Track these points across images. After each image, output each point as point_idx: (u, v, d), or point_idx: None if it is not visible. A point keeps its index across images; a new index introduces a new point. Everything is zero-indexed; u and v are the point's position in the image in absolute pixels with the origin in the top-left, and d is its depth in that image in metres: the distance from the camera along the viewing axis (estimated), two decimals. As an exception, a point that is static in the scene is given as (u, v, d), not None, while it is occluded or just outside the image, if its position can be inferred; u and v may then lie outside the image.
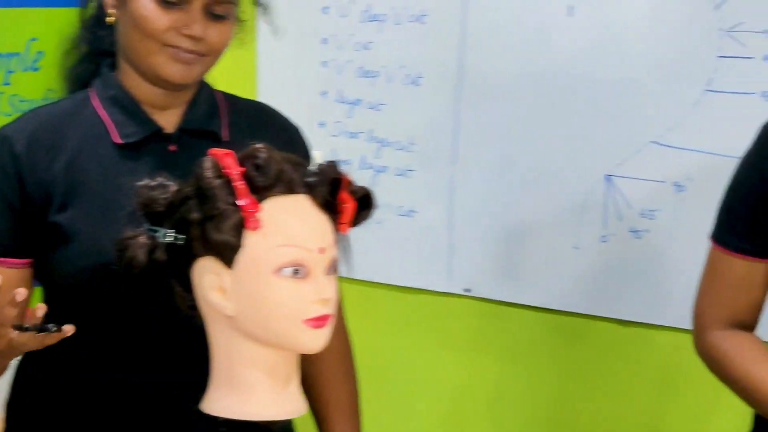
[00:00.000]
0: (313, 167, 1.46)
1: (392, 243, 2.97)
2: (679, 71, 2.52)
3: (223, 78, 2.70)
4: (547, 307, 2.79)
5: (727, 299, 1.81)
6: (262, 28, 2.98)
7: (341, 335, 1.92)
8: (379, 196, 2.88)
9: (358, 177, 2.84)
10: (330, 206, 1.45)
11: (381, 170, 2.97)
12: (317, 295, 1.41)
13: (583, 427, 2.80)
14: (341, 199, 1.45)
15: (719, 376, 1.82)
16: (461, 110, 2.83)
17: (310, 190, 1.44)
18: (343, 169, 1.49)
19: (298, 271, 1.40)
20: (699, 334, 1.86)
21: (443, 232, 2.90)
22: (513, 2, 2.71)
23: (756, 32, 2.43)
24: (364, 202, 1.49)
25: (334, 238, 1.45)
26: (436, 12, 2.83)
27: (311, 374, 1.83)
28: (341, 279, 2.86)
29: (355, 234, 2.84)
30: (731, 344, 1.79)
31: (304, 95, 3.04)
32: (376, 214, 2.87)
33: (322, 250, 1.42)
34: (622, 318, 2.69)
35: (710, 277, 1.85)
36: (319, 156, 1.49)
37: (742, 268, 1.80)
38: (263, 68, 3.12)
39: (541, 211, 2.74)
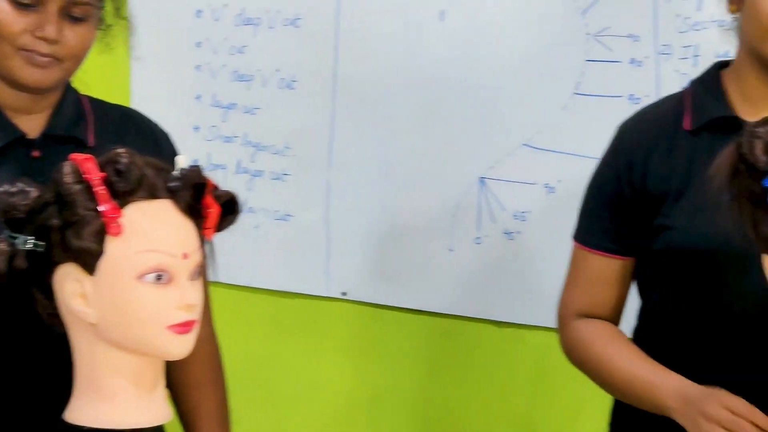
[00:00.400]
0: (176, 172, 1.44)
1: (269, 247, 2.96)
2: (549, 75, 2.56)
3: (96, 82, 2.67)
4: (424, 309, 2.80)
5: (585, 294, 1.88)
6: (137, 31, 2.99)
7: (209, 342, 1.90)
8: (256, 200, 2.94)
9: (234, 181, 2.92)
10: (194, 211, 1.44)
11: (257, 174, 2.96)
12: (181, 300, 1.40)
13: (461, 427, 2.82)
14: (205, 203, 1.44)
15: (578, 363, 1.87)
16: (336, 114, 2.83)
17: (173, 195, 1.42)
18: (207, 173, 1.48)
19: (161, 277, 1.39)
20: (561, 328, 1.92)
21: (320, 236, 2.89)
22: (386, 6, 2.72)
23: (622, 36, 2.48)
24: (229, 207, 1.48)
25: (199, 243, 1.44)
26: (310, 16, 2.83)
27: (178, 381, 1.82)
28: (216, 284, 2.86)
29: (232, 239, 2.84)
30: (587, 329, 1.85)
31: (178, 99, 3.01)
32: (253, 219, 2.94)
33: (185, 256, 1.41)
34: (497, 319, 2.72)
35: (572, 273, 1.91)
36: (183, 161, 1.47)
37: (600, 264, 1.85)
38: (136, 72, 3.07)
39: (416, 214, 2.76)
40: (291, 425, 3.02)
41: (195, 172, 1.44)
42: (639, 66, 2.47)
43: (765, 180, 1.34)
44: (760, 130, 1.37)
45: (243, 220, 2.86)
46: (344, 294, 2.89)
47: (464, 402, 2.80)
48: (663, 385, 1.69)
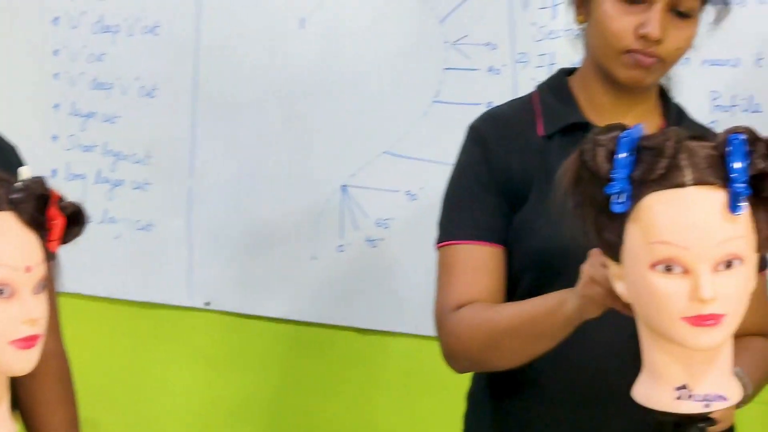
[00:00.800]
0: (18, 184, 1.41)
1: (130, 258, 2.91)
2: (409, 83, 2.58)
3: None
4: (288, 318, 2.79)
5: (461, 286, 1.78)
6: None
7: (57, 357, 1.86)
8: (116, 210, 2.89)
9: (94, 191, 2.87)
10: (38, 223, 1.40)
11: (117, 184, 2.91)
12: (24, 315, 1.36)
13: (326, 435, 2.82)
14: (49, 215, 1.41)
15: (467, 345, 1.74)
16: (197, 122, 2.80)
17: (15, 207, 1.39)
18: (52, 185, 1.45)
19: (3, 291, 1.35)
20: (441, 327, 1.80)
21: (182, 245, 2.86)
22: (246, 14, 2.71)
23: (479, 45, 2.51)
24: (75, 219, 1.45)
25: (43, 256, 1.41)
26: (170, 23, 2.80)
27: (25, 398, 1.77)
28: (76, 296, 2.81)
29: (93, 250, 2.81)
30: (468, 310, 1.75)
31: (35, 108, 2.95)
32: (114, 229, 2.89)
33: (28, 269, 1.37)
34: (360, 326, 2.73)
35: (443, 275, 1.82)
36: (26, 172, 1.43)
37: (473, 252, 1.79)
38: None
39: (278, 222, 2.75)
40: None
41: (38, 183, 1.41)
42: (497, 74, 2.50)
43: (607, 187, 1.37)
44: (603, 137, 1.39)
45: (104, 231, 2.88)
46: (207, 304, 2.86)
47: (329, 410, 2.80)
48: (557, 294, 1.62)
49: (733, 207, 1.34)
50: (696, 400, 1.41)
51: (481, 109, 2.45)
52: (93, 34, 2.88)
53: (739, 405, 1.67)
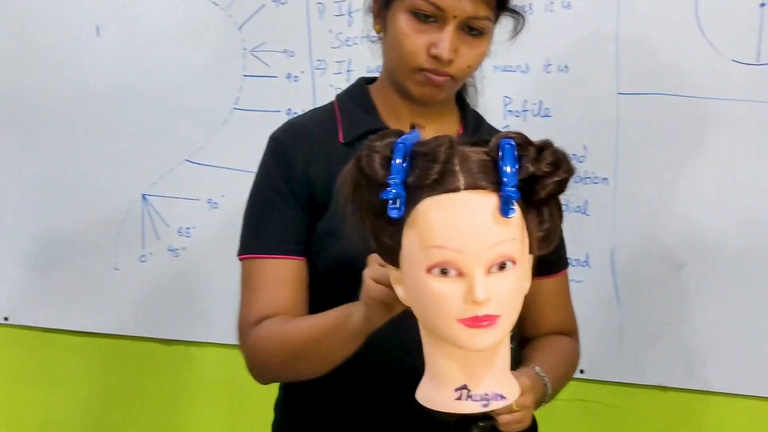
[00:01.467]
0: None
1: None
2: (209, 90, 2.56)
3: None
4: (91, 330, 2.74)
5: (263, 300, 1.78)
6: None
7: None
8: None
9: None
10: None
11: None
12: None
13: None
14: None
15: (266, 358, 1.76)
16: (-6, 130, 2.74)
17: None
18: None
19: None
20: (243, 342, 1.80)
21: (-22, 258, 2.79)
22: (40, 20, 2.65)
23: (278, 52, 2.51)
24: None
25: None
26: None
27: None
28: None
29: None
30: (274, 323, 1.76)
31: None
32: None
33: None
34: (166, 337, 2.69)
35: (245, 287, 1.82)
36: None
37: (275, 267, 1.79)
38: None
39: (79, 233, 2.70)
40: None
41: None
42: (295, 81, 2.50)
43: (383, 193, 1.38)
44: (378, 144, 1.40)
45: None
46: (6, 319, 2.79)
47: (137, 423, 2.76)
48: (346, 306, 1.64)
49: (505, 210, 1.36)
50: (475, 400, 1.44)
51: (281, 116, 2.50)
52: None
53: (540, 403, 1.72)
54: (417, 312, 1.43)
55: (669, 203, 2.32)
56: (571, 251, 2.32)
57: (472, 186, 1.37)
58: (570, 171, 1.43)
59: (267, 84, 2.52)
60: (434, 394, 1.45)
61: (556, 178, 1.41)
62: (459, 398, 1.44)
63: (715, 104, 2.27)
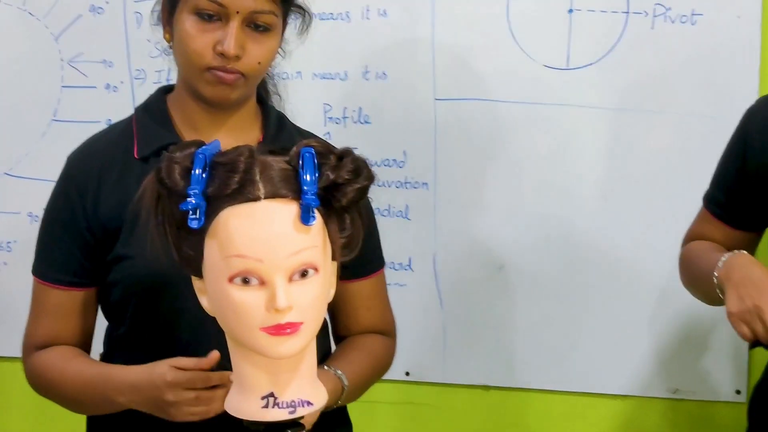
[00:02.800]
0: None
1: None
2: (27, 102, 2.53)
3: None
4: None
5: (46, 327, 1.83)
6: None
7: None
8: None
9: None
10: None
11: None
12: None
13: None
14: None
15: (43, 390, 1.83)
16: None
17: None
18: None
19: None
20: (24, 361, 1.86)
21: None
22: None
23: (96, 62, 2.49)
24: None
25: None
26: None
27: None
28: None
29: None
30: (47, 360, 1.81)
31: None
32: None
33: None
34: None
35: (33, 306, 1.84)
36: None
37: (60, 297, 1.81)
38: None
39: None
40: None
41: None
42: (115, 91, 2.49)
43: (182, 204, 1.38)
44: (178, 155, 1.40)
45: None
46: None
47: None
48: (118, 380, 1.68)
49: (305, 218, 1.38)
50: (282, 407, 1.45)
51: (101, 126, 2.43)
52: None
53: (336, 402, 1.74)
54: (221, 322, 1.43)
55: (487, 206, 2.37)
56: (395, 255, 2.39)
57: (272, 195, 1.38)
58: (370, 178, 1.45)
59: (86, 95, 2.50)
60: (241, 402, 1.46)
61: (356, 185, 1.43)
62: (266, 406, 1.45)
63: (528, 108, 2.33)
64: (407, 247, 2.41)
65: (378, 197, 2.36)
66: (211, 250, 1.39)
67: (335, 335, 1.91)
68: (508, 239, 2.37)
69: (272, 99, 1.95)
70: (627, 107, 2.29)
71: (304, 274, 1.39)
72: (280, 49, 1.84)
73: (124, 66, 2.47)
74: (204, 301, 1.45)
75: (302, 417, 1.47)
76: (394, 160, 2.38)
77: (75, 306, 1.82)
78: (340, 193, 1.42)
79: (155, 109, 1.85)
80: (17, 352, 2.56)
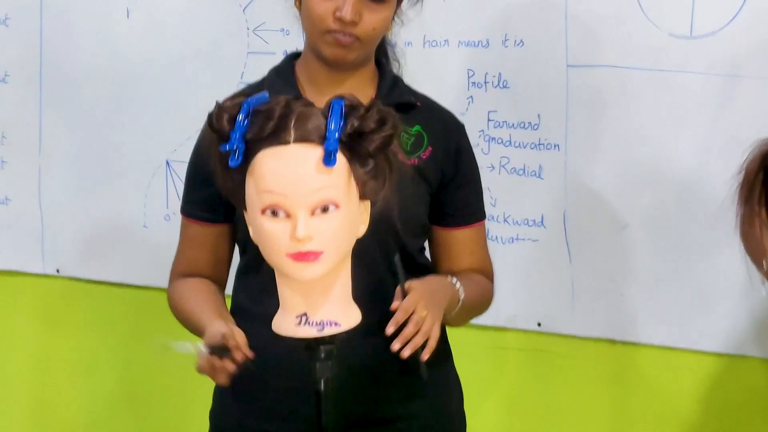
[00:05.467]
0: None
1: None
2: (218, 65, 2.84)
3: None
4: (128, 282, 3.06)
5: (185, 258, 2.14)
6: None
7: None
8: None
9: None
10: None
11: (-21, 162, 3.19)
12: None
13: (161, 382, 3.08)
14: None
15: (175, 313, 2.12)
16: (44, 104, 3.07)
17: None
18: None
19: None
20: (168, 289, 2.16)
21: (35, 217, 3.13)
22: (80, 5, 2.98)
23: (276, 30, 2.77)
24: None
25: None
26: (17, 15, 3.07)
27: None
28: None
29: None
30: (180, 285, 2.11)
31: None
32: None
33: None
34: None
35: (179, 241, 2.15)
36: None
37: (195, 231, 2.12)
38: None
39: (113, 195, 3.01)
40: (18, 399, 3.26)
41: None
42: (291, 56, 2.76)
43: (222, 145, 1.63)
44: (227, 104, 1.65)
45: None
46: (57, 271, 3.13)
47: (164, 365, 3.05)
48: (201, 326, 1.95)
49: (326, 160, 1.59)
50: (312, 326, 1.67)
51: (279, 89, 2.76)
52: (-42, 24, 3.16)
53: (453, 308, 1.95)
54: (260, 249, 1.67)
55: (613, 168, 2.48)
56: (528, 212, 2.55)
57: (301, 139, 1.60)
58: (395, 127, 1.64)
59: (267, 60, 2.77)
60: (281, 321, 1.69)
61: (382, 134, 1.63)
62: (299, 324, 1.67)
63: (653, 75, 2.42)
64: (540, 204, 2.56)
65: (514, 157, 2.56)
66: (249, 186, 1.63)
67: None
68: (632, 199, 2.47)
69: (392, 64, 2.16)
70: (749, 74, 2.34)
71: (325, 209, 1.60)
72: (396, 18, 2.07)
73: (299, 34, 2.73)
74: (251, 231, 1.68)
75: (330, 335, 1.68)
76: (529, 122, 2.54)
77: (208, 240, 2.12)
78: (366, 140, 1.62)
79: (283, 70, 2.13)
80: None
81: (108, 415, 3.14)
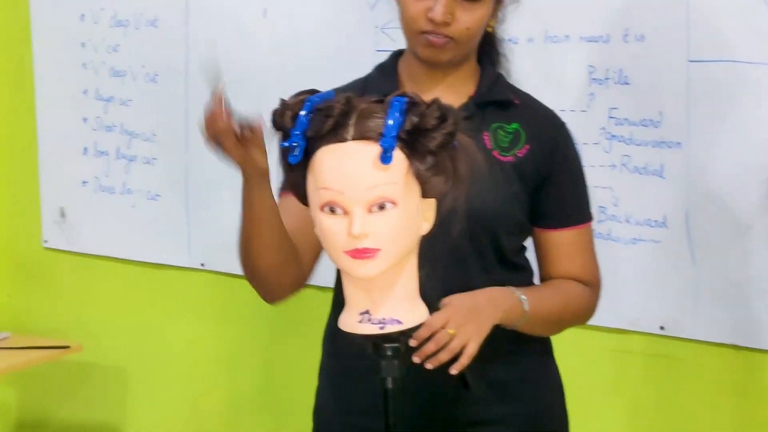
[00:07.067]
0: None
1: (143, 224, 3.31)
2: (346, 62, 2.86)
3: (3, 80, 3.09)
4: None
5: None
6: (36, 34, 3.39)
7: None
8: (132, 182, 3.29)
9: (116, 166, 3.28)
10: None
11: (132, 159, 3.31)
12: None
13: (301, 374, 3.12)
14: None
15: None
16: (189, 103, 3.17)
17: None
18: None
19: None
20: None
21: (182, 213, 3.23)
22: (223, 7, 3.06)
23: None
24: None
25: None
26: (165, 17, 3.17)
27: None
28: (100, 258, 3.21)
29: (115, 217, 3.23)
30: None
31: (69, 94, 3.39)
32: (130, 199, 3.29)
33: None
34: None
35: None
36: None
37: (285, 202, 2.04)
38: (39, 71, 3.45)
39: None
40: (166, 387, 3.38)
41: None
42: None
43: (282, 142, 1.65)
44: (291, 101, 1.67)
45: (123, 201, 3.29)
46: (203, 265, 3.22)
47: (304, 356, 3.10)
48: None
49: (382, 157, 1.59)
50: (373, 323, 1.66)
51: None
52: (110, 27, 3.29)
53: (517, 320, 1.91)
54: (323, 245, 1.68)
55: (737, 166, 2.38)
56: (650, 212, 2.48)
57: (359, 137, 1.60)
58: (456, 125, 1.63)
59: (394, 57, 2.79)
60: (345, 317, 1.69)
61: (442, 131, 1.62)
62: (361, 321, 1.67)
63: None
64: (661, 204, 2.48)
65: (635, 156, 2.49)
66: (309, 183, 1.64)
67: (541, 280, 2.07)
68: (756, 199, 2.37)
69: (500, 60, 2.13)
70: None
71: (382, 206, 1.59)
72: (499, 14, 2.04)
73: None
74: (316, 228, 1.69)
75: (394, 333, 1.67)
76: (651, 120, 2.46)
77: (288, 209, 2.02)
78: (426, 137, 1.61)
79: (387, 67, 2.13)
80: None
81: (249, 406, 3.22)
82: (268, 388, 3.18)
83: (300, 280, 2.04)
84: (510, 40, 2.13)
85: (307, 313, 3.09)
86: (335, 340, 2.14)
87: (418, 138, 1.61)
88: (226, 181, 3.09)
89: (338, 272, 2.13)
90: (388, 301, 1.66)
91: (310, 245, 2.06)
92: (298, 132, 1.64)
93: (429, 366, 1.80)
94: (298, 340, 3.12)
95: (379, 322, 1.66)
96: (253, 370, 3.21)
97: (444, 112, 1.62)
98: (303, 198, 1.69)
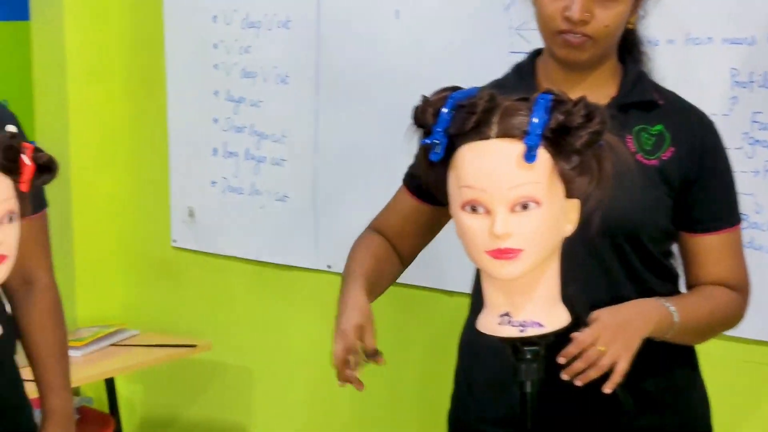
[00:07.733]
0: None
1: (271, 226, 3.32)
2: (479, 64, 2.82)
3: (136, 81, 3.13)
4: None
5: (383, 216, 2.20)
6: (168, 37, 3.42)
7: (50, 290, 2.15)
8: (261, 183, 3.30)
9: (245, 167, 3.30)
10: (8, 168, 1.77)
11: (261, 160, 3.33)
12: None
13: (424, 379, 3.11)
14: (20, 162, 1.78)
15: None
16: (319, 104, 3.17)
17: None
18: (24, 140, 1.82)
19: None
20: None
21: (309, 215, 3.23)
22: (354, 8, 3.05)
23: (535, 30, 2.72)
24: (46, 167, 1.81)
25: (12, 194, 1.77)
26: (297, 18, 3.18)
27: (25, 325, 2.12)
28: (232, 258, 3.24)
29: (245, 218, 3.25)
30: (363, 236, 2.19)
31: (200, 95, 3.42)
32: (259, 200, 3.30)
33: (-6, 202, 1.75)
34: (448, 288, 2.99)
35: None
36: (9, 129, 1.82)
37: (403, 197, 2.15)
38: (171, 72, 3.49)
39: (382, 196, 3.04)
40: (294, 387, 3.37)
41: (7, 136, 1.79)
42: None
43: (423, 139, 1.62)
44: (432, 98, 1.64)
45: (252, 202, 3.30)
46: (329, 267, 3.22)
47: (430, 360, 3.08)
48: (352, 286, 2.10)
49: (526, 156, 1.55)
50: (514, 326, 1.62)
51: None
52: (242, 29, 3.32)
53: (667, 331, 1.86)
54: (463, 245, 1.64)
55: None
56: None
57: (503, 134, 1.56)
58: (603, 123, 1.58)
59: (528, 60, 2.75)
60: (484, 319, 1.66)
61: (589, 129, 1.57)
62: (501, 323, 1.63)
63: None
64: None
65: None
66: (451, 181, 1.61)
67: (687, 286, 2.01)
68: None
69: (642, 58, 2.08)
70: None
71: (525, 206, 1.55)
72: (640, 10, 1.99)
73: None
74: (455, 226, 1.66)
75: (535, 336, 1.63)
76: (790, 125, 2.38)
77: (406, 208, 2.13)
78: (572, 136, 1.57)
79: (525, 68, 2.10)
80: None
81: (374, 407, 3.20)
82: (392, 389, 3.16)
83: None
84: (649, 41, 2.07)
85: (435, 316, 3.08)
86: (473, 345, 2.10)
87: (564, 136, 1.57)
88: (354, 183, 3.14)
89: (476, 277, 2.11)
90: (529, 303, 1.62)
91: (410, 246, 2.16)
92: (440, 129, 1.61)
93: (578, 383, 1.77)
94: (424, 342, 3.10)
95: (520, 325, 1.62)
96: (378, 371, 3.18)
97: (591, 111, 1.58)
98: (426, 196, 1.66)
